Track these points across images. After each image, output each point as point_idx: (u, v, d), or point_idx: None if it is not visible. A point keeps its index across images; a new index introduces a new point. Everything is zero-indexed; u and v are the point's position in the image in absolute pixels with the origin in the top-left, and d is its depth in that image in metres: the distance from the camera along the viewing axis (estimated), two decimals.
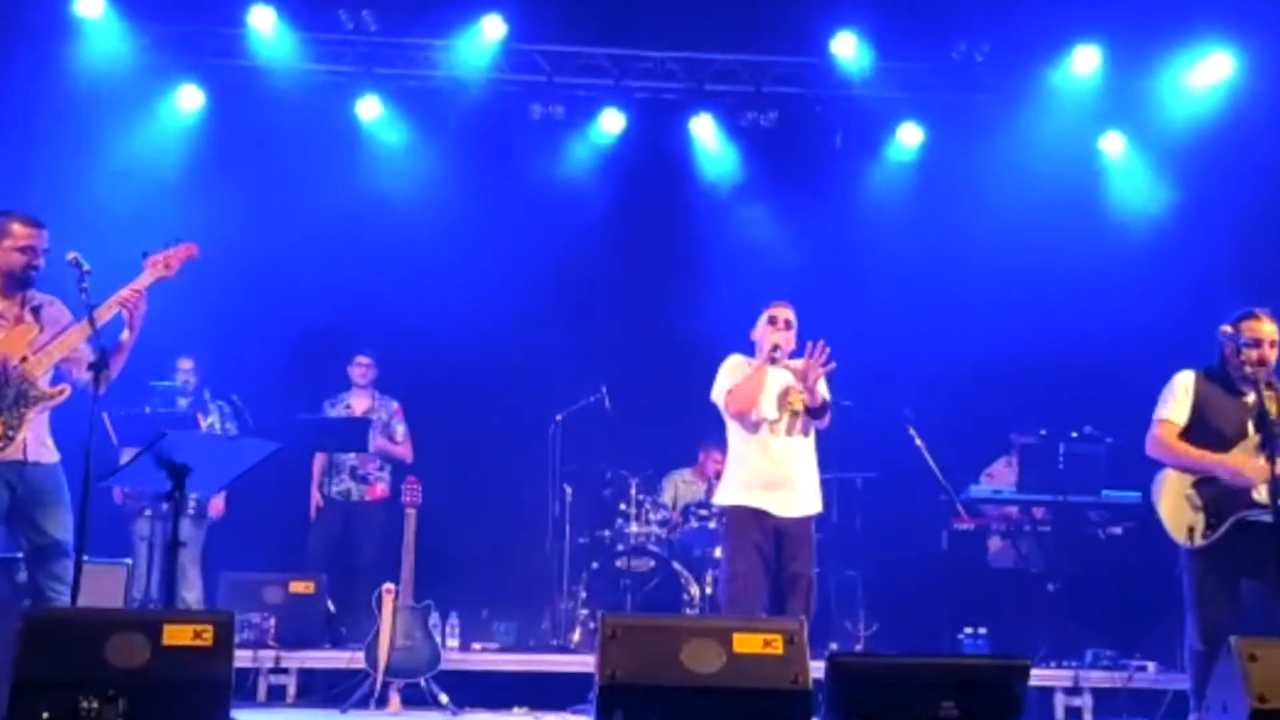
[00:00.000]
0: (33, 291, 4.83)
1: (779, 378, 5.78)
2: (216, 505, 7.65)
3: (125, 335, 4.87)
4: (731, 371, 5.86)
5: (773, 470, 5.67)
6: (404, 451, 8.31)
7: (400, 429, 8.34)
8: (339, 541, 8.12)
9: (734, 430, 5.81)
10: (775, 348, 5.73)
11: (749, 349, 5.95)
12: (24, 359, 4.69)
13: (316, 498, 8.18)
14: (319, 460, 8.22)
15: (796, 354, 5.79)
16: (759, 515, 5.60)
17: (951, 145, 8.99)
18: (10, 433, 4.65)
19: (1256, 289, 6.85)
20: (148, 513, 7.29)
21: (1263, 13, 7.72)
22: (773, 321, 5.84)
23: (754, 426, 5.70)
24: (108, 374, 4.70)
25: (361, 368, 8.31)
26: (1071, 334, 8.46)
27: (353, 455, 8.14)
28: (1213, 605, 5.08)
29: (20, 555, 4.87)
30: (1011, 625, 7.66)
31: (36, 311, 4.81)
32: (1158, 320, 7.90)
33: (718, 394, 5.83)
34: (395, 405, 8.39)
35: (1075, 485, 7.72)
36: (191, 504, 7.42)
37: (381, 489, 8.23)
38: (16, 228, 4.79)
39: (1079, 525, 8.11)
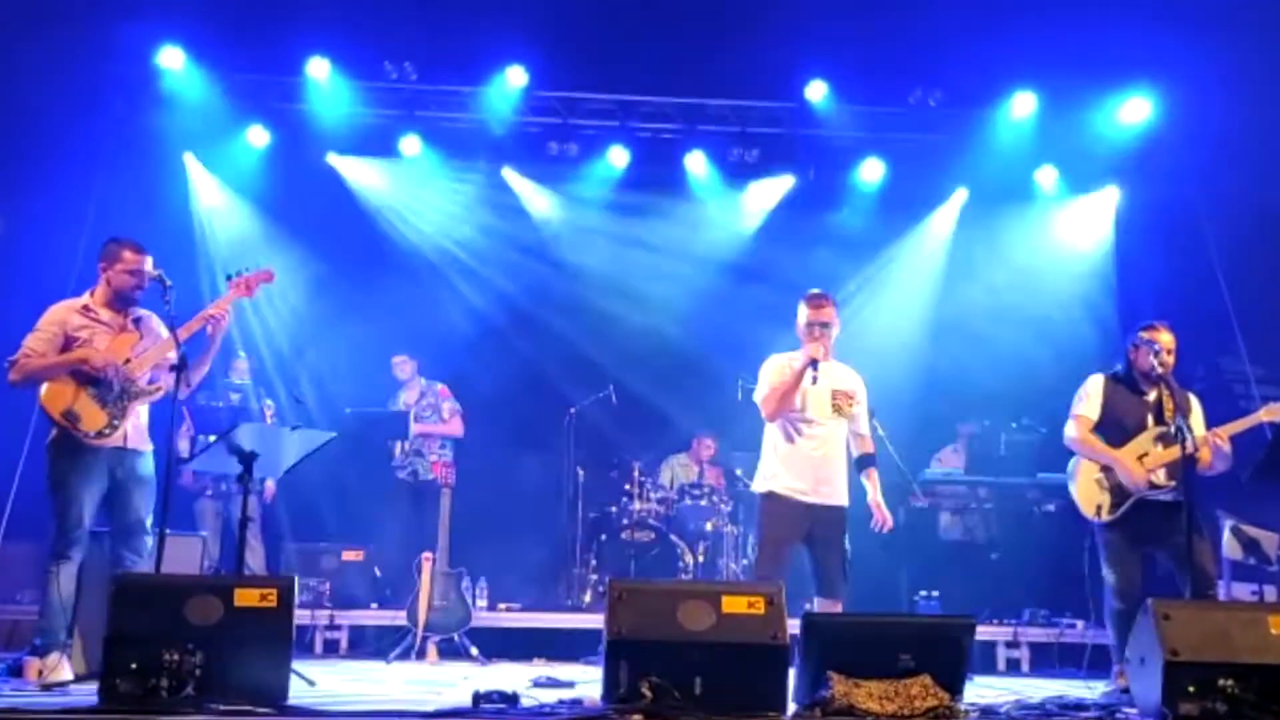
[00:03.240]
0: (135, 307, 4.98)
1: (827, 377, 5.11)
2: (268, 488, 7.60)
3: (209, 349, 4.99)
4: (768, 373, 5.19)
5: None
6: (453, 428, 7.98)
7: (446, 406, 8.00)
8: (411, 515, 7.89)
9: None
10: (814, 362, 4.96)
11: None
12: (127, 361, 4.84)
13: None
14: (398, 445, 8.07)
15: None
16: None
17: (908, 178, 9.00)
18: (115, 422, 4.79)
19: (1170, 302, 6.86)
20: (209, 492, 7.26)
21: (1178, 61, 7.71)
22: (810, 329, 5.07)
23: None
24: (188, 375, 4.78)
25: (399, 365, 8.18)
26: (1010, 340, 8.46)
27: (418, 440, 7.94)
28: (1124, 571, 5.13)
29: (106, 529, 4.91)
30: (960, 589, 7.66)
31: (139, 322, 4.95)
32: (1085, 327, 7.91)
33: (757, 396, 5.20)
34: (440, 387, 8.10)
35: (1014, 468, 7.74)
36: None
37: (442, 465, 8.02)
38: (127, 254, 4.93)
39: (1018, 503, 8.12)
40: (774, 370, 5.16)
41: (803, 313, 5.11)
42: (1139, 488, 5.08)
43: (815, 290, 5.17)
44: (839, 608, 5.01)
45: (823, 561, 5.06)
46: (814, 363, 4.95)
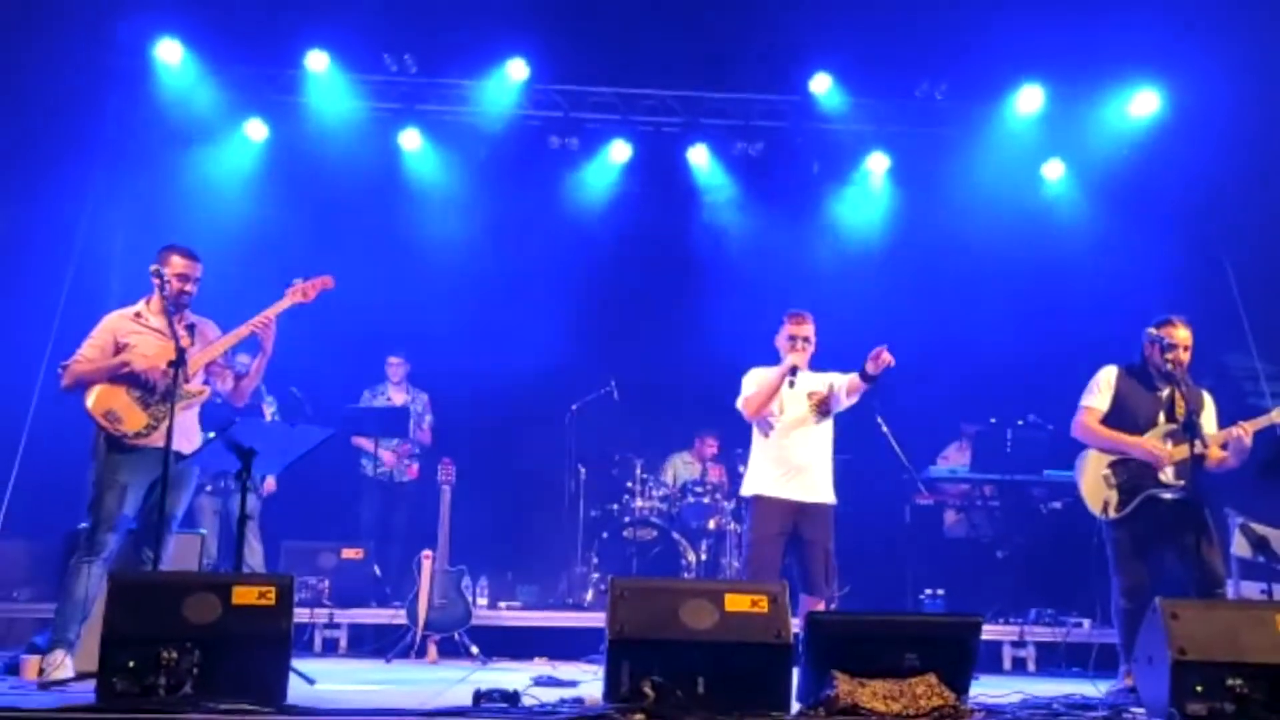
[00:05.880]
0: (189, 312, 5.08)
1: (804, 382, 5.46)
2: (268, 483, 7.63)
3: (259, 357, 5.14)
4: (749, 381, 5.55)
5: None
6: (425, 437, 8.39)
7: (428, 419, 8.41)
8: (382, 514, 8.17)
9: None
10: (794, 370, 5.35)
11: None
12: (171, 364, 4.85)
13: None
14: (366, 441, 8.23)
15: (821, 365, 5.57)
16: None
17: (914, 172, 9.00)
18: (154, 424, 4.87)
19: (1177, 298, 6.85)
20: (208, 489, 7.27)
21: (1186, 55, 7.71)
22: (791, 341, 5.47)
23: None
24: (241, 386, 5.15)
25: (394, 366, 8.40)
26: (1017, 335, 8.46)
27: (395, 441, 8.18)
28: (1131, 569, 5.13)
29: (134, 527, 4.95)
30: (965, 587, 7.68)
31: (191, 329, 5.02)
32: (1091, 323, 7.90)
33: (739, 402, 5.53)
34: (426, 398, 8.47)
35: (1021, 466, 7.73)
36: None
37: (415, 470, 8.29)
38: (176, 259, 5.01)
39: (1024, 500, 8.13)
40: (756, 377, 5.54)
41: (785, 328, 5.52)
42: (1162, 465, 5.07)
43: (796, 310, 5.56)
44: (821, 608, 5.22)
45: (807, 559, 5.36)
46: (794, 370, 5.34)
